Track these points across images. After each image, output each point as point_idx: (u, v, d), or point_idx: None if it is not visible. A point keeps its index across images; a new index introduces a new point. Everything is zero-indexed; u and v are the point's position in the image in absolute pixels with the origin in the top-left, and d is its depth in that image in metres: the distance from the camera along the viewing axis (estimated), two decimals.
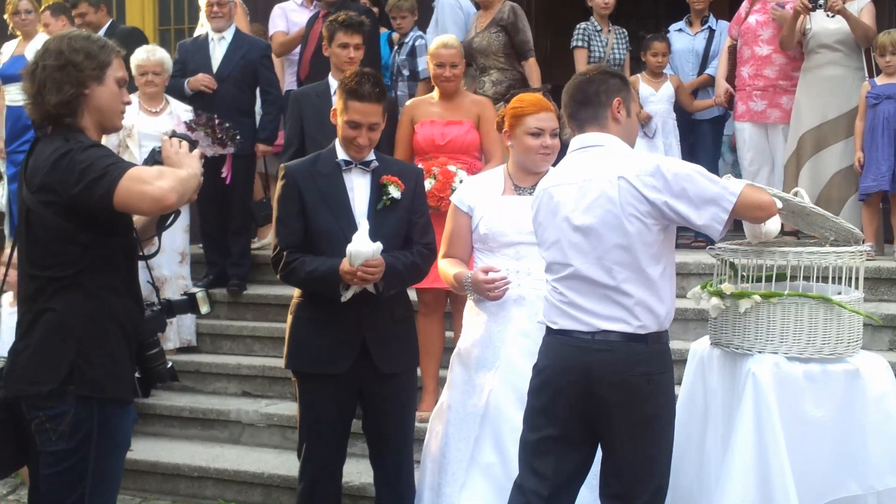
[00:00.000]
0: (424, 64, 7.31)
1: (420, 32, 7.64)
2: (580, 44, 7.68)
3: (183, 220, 6.80)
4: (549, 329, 3.65)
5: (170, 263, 6.72)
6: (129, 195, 3.18)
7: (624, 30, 7.81)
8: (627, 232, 3.44)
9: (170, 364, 3.62)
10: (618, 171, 3.47)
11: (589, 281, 3.50)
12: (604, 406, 3.48)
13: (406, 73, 7.51)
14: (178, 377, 3.73)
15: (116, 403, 3.42)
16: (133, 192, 3.18)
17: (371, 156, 4.26)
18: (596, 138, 3.62)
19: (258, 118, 7.37)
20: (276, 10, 8.04)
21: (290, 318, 4.32)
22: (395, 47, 7.75)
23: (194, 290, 3.80)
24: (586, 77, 3.71)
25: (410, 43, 7.52)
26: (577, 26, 7.74)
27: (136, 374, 3.56)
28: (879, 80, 6.47)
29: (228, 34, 7.27)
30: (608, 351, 3.48)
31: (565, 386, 3.54)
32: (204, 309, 3.76)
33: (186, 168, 3.32)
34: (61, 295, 3.33)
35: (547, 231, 3.63)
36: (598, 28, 7.67)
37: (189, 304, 3.74)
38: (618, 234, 3.45)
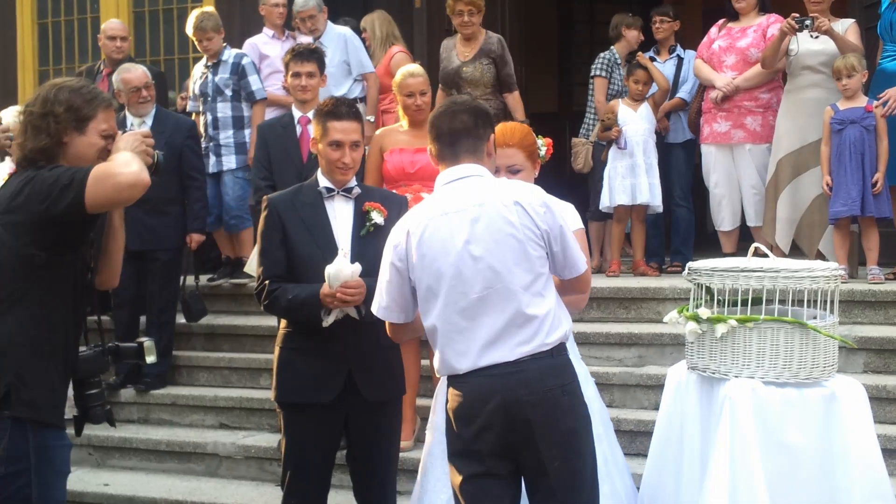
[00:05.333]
0: (258, 84, 7.40)
1: (242, 52, 7.55)
2: (602, 73, 7.78)
3: None
4: (456, 374, 3.49)
5: None
6: (101, 192, 3.23)
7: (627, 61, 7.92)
8: (529, 255, 3.42)
9: (108, 407, 3.67)
10: (513, 197, 3.45)
11: (492, 307, 3.40)
12: (527, 427, 3.38)
13: (229, 92, 7.36)
14: (114, 422, 3.77)
15: (51, 429, 3.44)
16: (106, 187, 3.24)
17: (353, 182, 4.28)
18: (474, 169, 3.56)
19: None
20: (247, 46, 7.92)
21: (276, 349, 4.31)
22: (204, 68, 7.53)
23: (143, 339, 3.83)
24: (467, 106, 3.66)
25: (231, 61, 7.40)
26: (600, 56, 7.86)
27: (74, 413, 3.61)
28: (841, 105, 6.49)
29: (149, 118, 6.71)
30: (519, 372, 3.39)
31: (487, 418, 3.39)
32: (150, 359, 3.79)
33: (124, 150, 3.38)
34: (4, 316, 3.36)
35: (436, 262, 3.45)
36: (619, 61, 7.76)
37: (137, 351, 3.77)
38: (519, 256, 3.41)
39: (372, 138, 6.07)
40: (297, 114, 6.01)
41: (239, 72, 7.38)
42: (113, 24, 8.08)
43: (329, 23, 7.81)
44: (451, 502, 4.32)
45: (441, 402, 4.52)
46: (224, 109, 7.38)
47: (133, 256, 6.24)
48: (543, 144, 5.06)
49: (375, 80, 7.68)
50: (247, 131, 7.38)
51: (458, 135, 3.57)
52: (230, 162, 7.36)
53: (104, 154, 3.46)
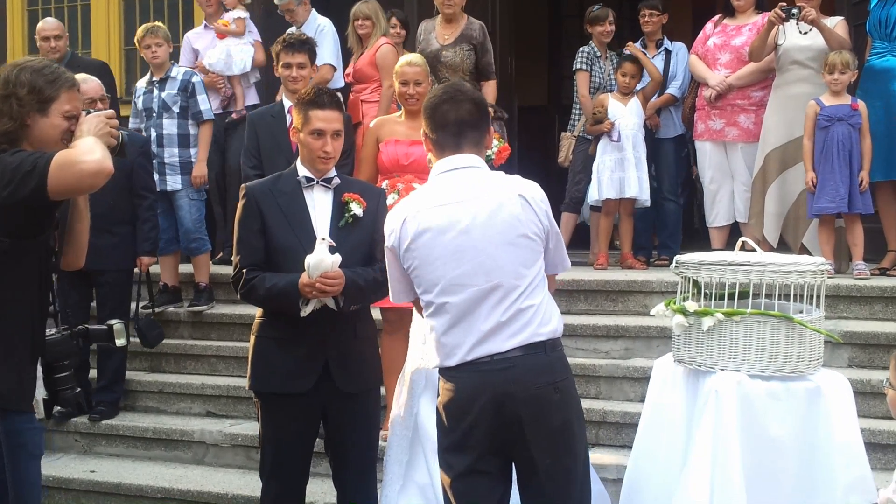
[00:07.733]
0: (206, 104, 7.14)
1: (191, 70, 7.40)
2: (583, 67, 7.77)
3: None
4: (448, 367, 3.47)
5: None
6: (64, 179, 3.20)
7: (615, 55, 7.92)
8: (530, 249, 3.43)
9: (78, 390, 3.66)
10: (517, 190, 3.45)
11: (491, 300, 3.38)
12: (518, 424, 3.37)
13: (176, 109, 7.06)
14: (83, 406, 3.78)
15: (19, 413, 3.44)
16: (69, 175, 3.20)
17: (332, 173, 4.27)
18: (473, 160, 3.55)
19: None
20: (184, 39, 7.94)
21: (252, 338, 4.30)
22: (147, 84, 7.22)
23: (113, 321, 3.80)
24: (470, 96, 3.61)
25: (180, 77, 7.13)
26: (580, 50, 7.85)
27: (44, 396, 3.61)
28: (827, 101, 6.48)
29: None
30: (510, 367, 3.37)
31: (478, 414, 3.38)
32: (119, 342, 3.77)
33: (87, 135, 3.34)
34: None
35: (435, 251, 3.42)
36: (598, 54, 7.77)
37: (106, 334, 3.75)
38: (522, 251, 3.41)
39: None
40: (287, 103, 5.97)
41: (189, 90, 7.10)
42: (47, 23, 7.72)
43: (313, 12, 7.75)
44: (405, 492, 4.40)
45: (401, 395, 4.56)
46: (170, 127, 7.07)
47: (80, 277, 6.00)
48: (497, 146, 5.07)
49: (326, 74, 7.54)
50: (192, 150, 7.11)
51: (465, 126, 3.54)
52: (175, 182, 7.05)
53: (67, 135, 3.41)
